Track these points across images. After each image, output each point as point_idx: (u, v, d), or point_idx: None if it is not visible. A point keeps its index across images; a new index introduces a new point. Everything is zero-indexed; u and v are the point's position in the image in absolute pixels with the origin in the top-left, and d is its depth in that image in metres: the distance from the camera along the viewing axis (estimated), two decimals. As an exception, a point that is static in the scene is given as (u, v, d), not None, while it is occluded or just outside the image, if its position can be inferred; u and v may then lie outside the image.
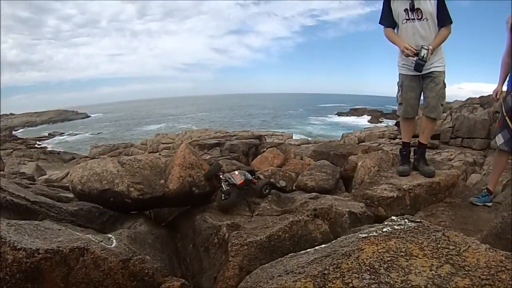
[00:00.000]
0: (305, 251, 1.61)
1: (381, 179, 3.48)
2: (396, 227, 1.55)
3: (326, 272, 1.28)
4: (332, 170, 4.18)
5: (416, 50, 3.10)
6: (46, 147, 29.95)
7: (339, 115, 56.57)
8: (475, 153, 13.98)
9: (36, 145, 28.66)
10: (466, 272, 1.22)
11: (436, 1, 3.08)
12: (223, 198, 2.76)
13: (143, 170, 2.89)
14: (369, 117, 46.46)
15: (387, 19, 3.35)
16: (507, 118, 2.97)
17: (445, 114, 17.56)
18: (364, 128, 27.14)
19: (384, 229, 1.52)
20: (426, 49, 3.06)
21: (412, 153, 3.66)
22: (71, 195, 3.26)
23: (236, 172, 2.94)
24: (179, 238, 2.76)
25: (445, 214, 3.01)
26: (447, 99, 3.61)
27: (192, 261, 2.47)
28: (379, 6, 3.42)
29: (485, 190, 3.21)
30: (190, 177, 2.73)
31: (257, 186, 3.01)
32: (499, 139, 3.05)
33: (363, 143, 17.30)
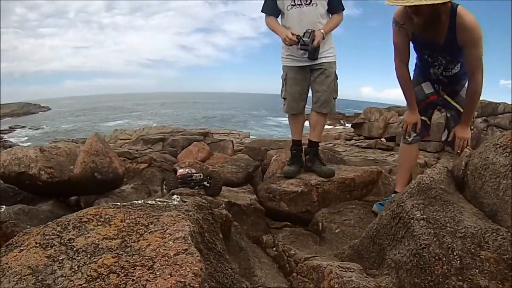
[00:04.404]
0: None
1: (293, 174, 3.43)
2: (159, 203, 1.44)
3: None
4: (246, 164, 4.54)
5: (298, 37, 2.80)
6: (6, 141, 28.82)
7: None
8: (429, 156, 14.02)
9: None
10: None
11: None
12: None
13: (59, 157, 3.23)
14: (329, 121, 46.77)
15: (270, 7, 3.04)
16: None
17: (402, 117, 18.20)
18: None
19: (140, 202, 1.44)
20: (309, 32, 2.77)
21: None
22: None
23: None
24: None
25: (355, 212, 2.77)
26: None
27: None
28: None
29: (394, 195, 2.54)
30: (93, 163, 3.09)
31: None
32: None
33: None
